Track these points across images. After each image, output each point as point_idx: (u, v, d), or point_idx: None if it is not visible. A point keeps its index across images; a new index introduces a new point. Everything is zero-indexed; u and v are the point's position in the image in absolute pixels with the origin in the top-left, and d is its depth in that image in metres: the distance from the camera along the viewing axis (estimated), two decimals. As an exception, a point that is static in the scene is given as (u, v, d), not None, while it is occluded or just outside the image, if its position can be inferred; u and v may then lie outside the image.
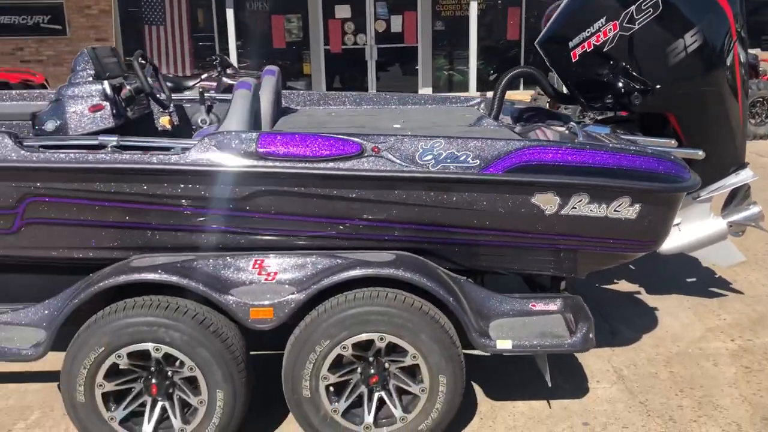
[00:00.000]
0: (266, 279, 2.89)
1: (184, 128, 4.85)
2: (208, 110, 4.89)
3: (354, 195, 2.85)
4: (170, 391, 2.86)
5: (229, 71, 10.94)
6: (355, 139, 2.82)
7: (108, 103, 3.98)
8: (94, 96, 3.97)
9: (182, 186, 2.83)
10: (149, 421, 2.85)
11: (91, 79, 4.04)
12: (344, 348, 2.78)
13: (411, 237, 2.98)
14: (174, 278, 2.72)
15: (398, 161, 2.81)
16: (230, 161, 2.80)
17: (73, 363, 2.75)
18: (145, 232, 2.95)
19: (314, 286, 2.77)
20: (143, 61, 4.48)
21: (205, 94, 4.81)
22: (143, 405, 2.88)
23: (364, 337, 2.77)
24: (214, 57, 10.96)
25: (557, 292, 3.28)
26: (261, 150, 2.79)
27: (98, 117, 3.98)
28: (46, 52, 14.25)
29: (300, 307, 2.77)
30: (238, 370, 2.81)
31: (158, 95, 4.58)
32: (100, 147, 2.91)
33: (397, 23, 14.56)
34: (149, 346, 2.74)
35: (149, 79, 4.45)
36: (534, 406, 3.34)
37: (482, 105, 4.70)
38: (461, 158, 2.81)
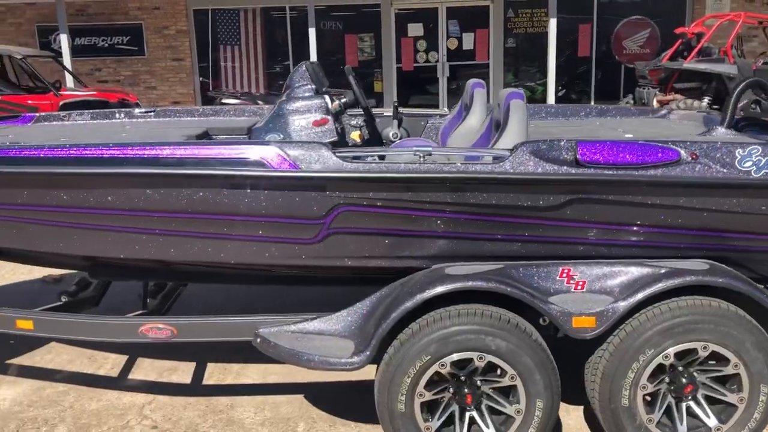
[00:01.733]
0: (576, 288, 2.88)
1: (372, 143, 4.89)
2: (399, 124, 4.93)
3: (669, 202, 2.84)
4: (480, 400, 2.85)
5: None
6: (674, 146, 2.82)
7: (331, 118, 4.02)
8: (317, 110, 4.00)
9: (496, 195, 2.85)
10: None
11: (312, 93, 4.08)
12: (667, 357, 2.76)
13: (714, 245, 2.97)
14: (503, 287, 2.72)
15: (717, 167, 2.81)
16: (549, 169, 2.81)
17: (396, 372, 2.74)
18: (452, 240, 2.96)
19: (637, 295, 2.75)
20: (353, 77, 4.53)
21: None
22: (452, 415, 2.87)
23: (687, 346, 2.75)
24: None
25: None
26: (582, 158, 2.79)
27: (322, 131, 4.02)
28: (123, 72, 14.47)
29: (622, 316, 2.76)
30: (555, 379, 2.80)
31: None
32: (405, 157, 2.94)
33: (468, 41, 14.65)
34: (474, 354, 2.74)
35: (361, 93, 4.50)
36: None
37: (669, 115, 4.69)
38: None
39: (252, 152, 2.87)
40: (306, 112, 4.00)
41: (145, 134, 3.81)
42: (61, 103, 10.22)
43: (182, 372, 3.92)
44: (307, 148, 2.87)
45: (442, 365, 2.74)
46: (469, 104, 4.38)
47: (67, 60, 12.00)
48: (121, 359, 4.08)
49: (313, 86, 4.11)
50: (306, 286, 3.28)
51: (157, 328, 3.08)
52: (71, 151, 2.95)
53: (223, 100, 10.81)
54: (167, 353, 4.11)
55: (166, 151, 2.90)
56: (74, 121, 4.63)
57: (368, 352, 2.76)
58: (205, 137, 3.96)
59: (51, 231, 3.11)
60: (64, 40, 12.53)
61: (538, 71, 14.84)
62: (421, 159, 2.89)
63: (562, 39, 15.09)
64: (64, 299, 3.75)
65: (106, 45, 14.27)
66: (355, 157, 2.92)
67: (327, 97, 4.06)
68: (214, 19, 14.43)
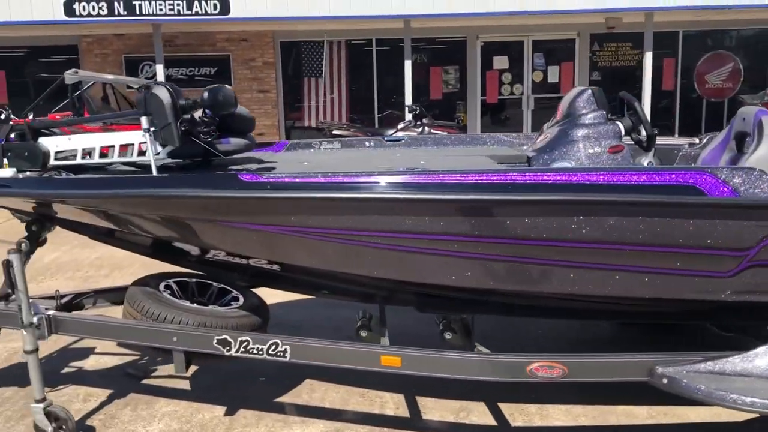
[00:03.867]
0: None
1: None
2: (654, 152, 4.77)
3: None
4: None
5: (425, 121, 11.00)
6: None
7: (625, 145, 3.87)
8: (612, 137, 3.86)
9: None
10: None
11: (603, 119, 3.93)
12: None
13: None
14: None
15: None
16: None
17: None
18: None
19: None
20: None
21: None
22: None
23: None
24: (413, 107, 11.01)
25: None
26: None
27: (620, 158, 3.86)
28: (208, 103, 14.42)
29: None
30: None
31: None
32: None
33: (553, 73, 14.63)
34: None
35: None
36: None
37: None
38: None
39: (685, 178, 2.70)
40: (599, 139, 3.85)
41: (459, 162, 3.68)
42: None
43: (478, 413, 3.69)
44: (745, 174, 2.71)
45: None
46: (751, 133, 4.23)
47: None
48: (399, 398, 3.86)
49: (603, 112, 3.98)
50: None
51: (548, 367, 2.88)
52: (421, 178, 2.84)
53: (334, 131, 10.72)
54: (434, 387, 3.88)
55: (575, 177, 2.75)
56: (326, 148, 4.51)
57: None
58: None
59: (386, 256, 2.99)
60: (160, 71, 12.55)
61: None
62: None
63: (633, 72, 15.10)
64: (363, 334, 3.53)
65: (196, 76, 14.27)
66: None
67: (619, 123, 3.92)
68: (299, 51, 14.46)
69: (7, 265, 3.48)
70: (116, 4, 11.56)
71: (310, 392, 3.96)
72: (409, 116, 11.15)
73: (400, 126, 11.05)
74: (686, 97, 14.97)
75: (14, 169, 3.47)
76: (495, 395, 3.83)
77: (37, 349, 3.42)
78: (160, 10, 11.62)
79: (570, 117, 4.06)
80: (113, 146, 3.38)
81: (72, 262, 7.06)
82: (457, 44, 14.58)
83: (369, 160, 3.94)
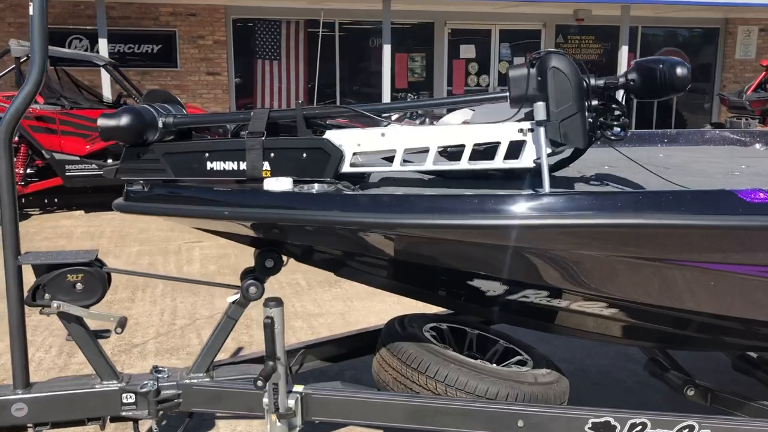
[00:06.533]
0: None
1: None
2: None
3: None
4: None
5: (420, 111, 10.12)
6: None
7: None
8: None
9: None
10: None
11: None
12: None
13: None
14: None
15: None
16: None
17: None
18: None
19: None
20: None
21: None
22: None
23: None
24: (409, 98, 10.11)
25: None
26: None
27: None
28: (149, 85, 12.62)
29: None
30: None
31: None
32: None
33: (520, 65, 14.18)
34: None
35: None
36: None
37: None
38: None
39: None
40: None
41: None
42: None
43: None
44: None
45: None
46: None
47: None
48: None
49: None
50: None
51: None
52: None
53: (337, 120, 9.54)
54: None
55: None
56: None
57: None
58: None
59: None
60: (103, 45, 10.71)
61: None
62: None
63: (602, 66, 15.05)
64: None
65: (135, 53, 12.40)
66: None
67: None
68: (254, 30, 13.01)
69: (271, 325, 2.28)
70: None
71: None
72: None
73: (395, 117, 10.08)
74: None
75: (290, 179, 2.25)
76: None
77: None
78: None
79: None
80: (462, 146, 2.24)
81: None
82: (425, 30, 13.75)
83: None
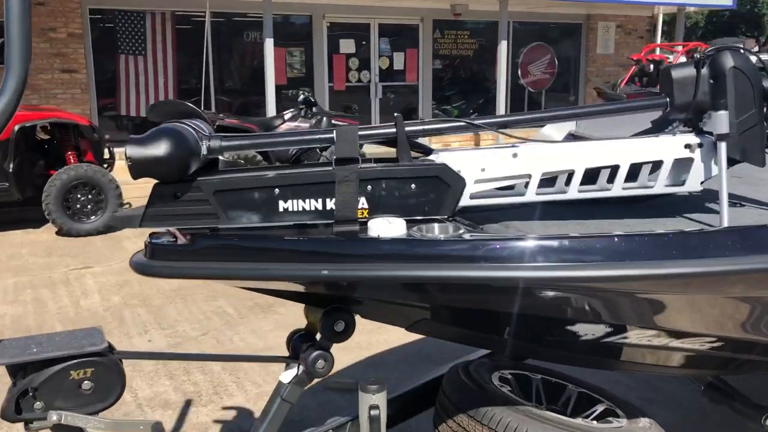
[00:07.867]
0: None
1: None
2: None
3: None
4: None
5: (315, 110, 9.55)
6: None
7: None
8: None
9: None
10: None
11: None
12: None
13: None
14: None
15: None
16: None
17: None
18: None
19: None
20: None
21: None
22: None
23: None
24: (303, 95, 9.49)
25: None
26: None
27: None
28: (-10, 84, 10.93)
29: None
30: None
31: None
32: None
33: (399, 60, 13.89)
34: None
35: None
36: None
37: None
38: None
39: None
40: None
41: None
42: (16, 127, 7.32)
43: None
44: None
45: None
46: None
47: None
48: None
49: None
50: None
51: None
52: None
53: (227, 120, 8.68)
54: None
55: None
56: None
57: None
58: None
59: None
60: (-65, 38, 9.04)
61: (457, 93, 14.71)
62: None
63: (480, 62, 15.17)
64: None
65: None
66: None
67: None
68: (114, 22, 11.67)
69: (378, 419, 1.67)
70: None
71: None
72: (288, 110, 9.55)
73: (288, 116, 9.42)
74: (514, 87, 15.35)
75: (403, 221, 1.64)
76: None
77: None
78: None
79: None
80: (617, 166, 1.74)
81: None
82: (302, 24, 13.06)
83: None
